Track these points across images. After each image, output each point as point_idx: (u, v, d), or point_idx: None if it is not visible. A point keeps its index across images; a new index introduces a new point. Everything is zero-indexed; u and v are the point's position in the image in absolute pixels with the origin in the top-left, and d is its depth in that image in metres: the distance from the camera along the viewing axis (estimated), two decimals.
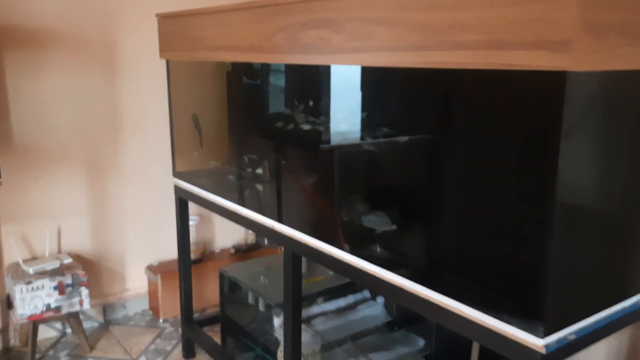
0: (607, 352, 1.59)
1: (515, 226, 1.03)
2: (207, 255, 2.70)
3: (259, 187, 1.70)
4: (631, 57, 0.90)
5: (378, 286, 1.24)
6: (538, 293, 0.95)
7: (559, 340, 0.95)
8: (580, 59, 0.82)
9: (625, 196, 1.08)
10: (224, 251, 2.77)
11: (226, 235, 2.81)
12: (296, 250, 1.48)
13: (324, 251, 1.37)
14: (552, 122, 0.88)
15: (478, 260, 1.10)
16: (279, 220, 1.55)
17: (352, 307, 1.89)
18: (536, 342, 0.93)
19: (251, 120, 1.78)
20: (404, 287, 1.16)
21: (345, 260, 1.31)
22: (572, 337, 0.98)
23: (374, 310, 1.88)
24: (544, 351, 0.93)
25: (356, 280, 1.33)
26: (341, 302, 1.89)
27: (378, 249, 1.31)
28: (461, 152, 1.11)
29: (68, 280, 2.15)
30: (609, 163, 1.02)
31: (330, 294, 1.90)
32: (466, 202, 1.11)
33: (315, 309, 1.84)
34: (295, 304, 1.51)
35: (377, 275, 1.22)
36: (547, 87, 0.88)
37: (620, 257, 1.11)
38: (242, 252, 2.74)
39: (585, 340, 1.01)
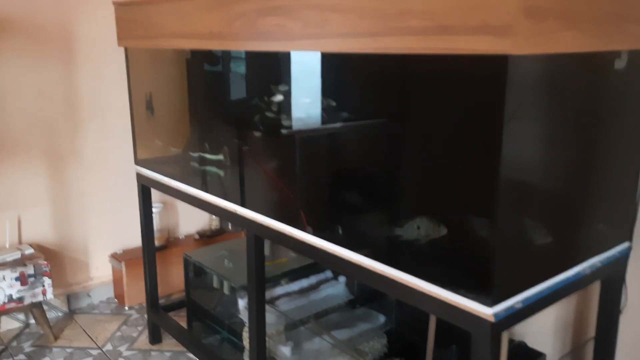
0: (556, 319, 1.68)
1: (465, 203, 1.08)
2: (171, 242, 2.71)
3: (221, 172, 1.72)
4: (568, 41, 0.96)
5: (339, 265, 1.28)
6: (486, 265, 1.01)
7: (507, 309, 1.02)
8: (520, 43, 0.87)
9: (567, 171, 1.15)
10: (188, 237, 2.79)
11: (190, 222, 2.82)
12: (259, 233, 1.51)
13: (286, 233, 1.41)
14: (496, 104, 0.93)
15: (431, 235, 1.16)
16: (241, 204, 1.57)
17: (314, 287, 1.94)
18: (485, 311, 0.99)
19: (212, 107, 1.79)
20: (364, 265, 1.21)
21: (307, 241, 1.35)
22: (519, 305, 1.04)
23: (336, 290, 1.93)
24: (492, 319, 0.99)
25: (318, 260, 1.37)
26: (304, 283, 1.94)
27: (339, 230, 1.35)
28: (414, 134, 1.16)
29: (30, 270, 2.13)
30: (551, 140, 1.08)
31: (293, 275, 1.94)
32: (419, 182, 1.16)
33: (279, 290, 1.88)
34: (259, 286, 1.55)
35: (338, 255, 1.27)
36: (491, 70, 0.93)
37: (564, 229, 1.18)
38: (206, 237, 2.75)
39: (532, 308, 1.08)
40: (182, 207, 2.76)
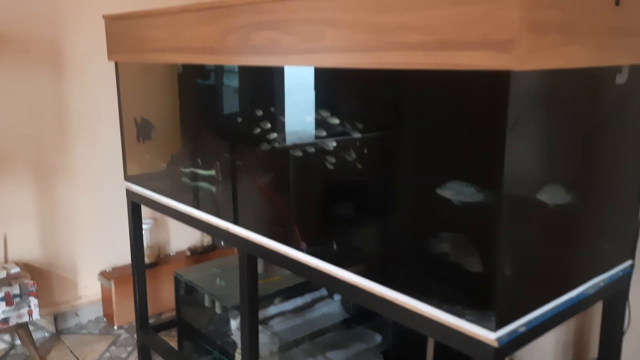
0: (556, 340, 1.65)
1: (466, 220, 1.05)
2: (162, 259, 2.66)
3: (213, 188, 1.68)
4: (570, 56, 0.94)
5: (335, 285, 1.24)
6: (488, 287, 0.98)
7: (511, 333, 0.98)
8: (523, 58, 0.84)
9: (569, 188, 1.11)
10: (179, 254, 2.74)
11: (182, 238, 2.77)
12: (251, 252, 1.47)
13: (280, 252, 1.37)
14: (497, 120, 0.90)
15: (431, 255, 1.12)
16: (233, 221, 1.53)
17: (309, 305, 1.89)
18: (488, 336, 0.95)
19: (204, 122, 1.76)
20: (360, 286, 1.17)
21: (302, 260, 1.31)
22: (523, 329, 1.00)
23: (332, 308, 1.89)
24: (496, 344, 0.95)
25: (313, 280, 1.33)
26: (298, 301, 1.89)
27: (334, 247, 1.31)
28: (413, 149, 1.13)
29: (15, 290, 2.07)
30: (553, 157, 1.05)
31: (288, 293, 1.90)
32: (417, 198, 1.13)
33: (272, 310, 1.83)
34: (251, 306, 1.50)
35: (334, 275, 1.23)
36: (493, 86, 0.90)
37: (566, 248, 1.15)
38: (198, 254, 2.70)
39: (536, 332, 1.05)
40: (173, 223, 2.71)
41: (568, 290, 1.12)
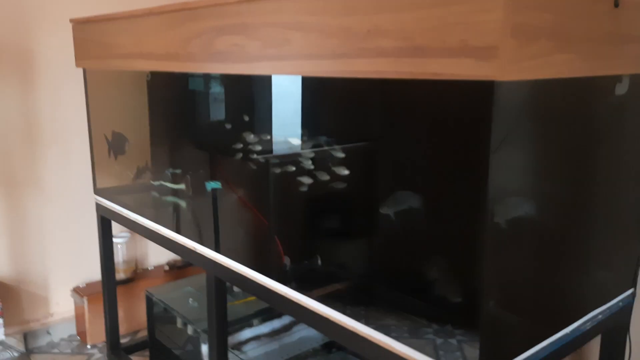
0: None
1: (447, 246, 0.94)
2: (139, 274, 2.53)
3: (182, 204, 1.57)
4: (563, 65, 0.82)
5: (311, 320, 1.12)
6: (472, 322, 0.86)
7: None
8: (506, 67, 0.73)
9: (563, 210, 1.00)
10: (158, 268, 2.61)
11: (160, 251, 2.65)
12: (220, 276, 1.35)
13: (251, 278, 1.25)
14: (481, 136, 0.79)
15: (411, 286, 1.01)
16: (200, 241, 1.42)
17: (287, 328, 1.77)
18: None
19: (175, 132, 1.64)
20: (338, 322, 1.05)
21: (273, 289, 1.19)
22: None
23: (311, 331, 1.77)
24: None
25: (289, 313, 1.21)
26: (276, 324, 1.77)
27: (318, 262, 1.20)
28: (393, 161, 1.02)
29: None
30: (544, 175, 0.93)
31: (264, 315, 1.77)
32: (394, 221, 1.01)
33: (247, 333, 1.71)
34: (219, 333, 1.38)
35: (308, 308, 1.11)
36: (475, 96, 0.79)
37: (560, 278, 1.03)
38: (177, 268, 2.58)
39: None
40: None
41: (563, 325, 1.00)
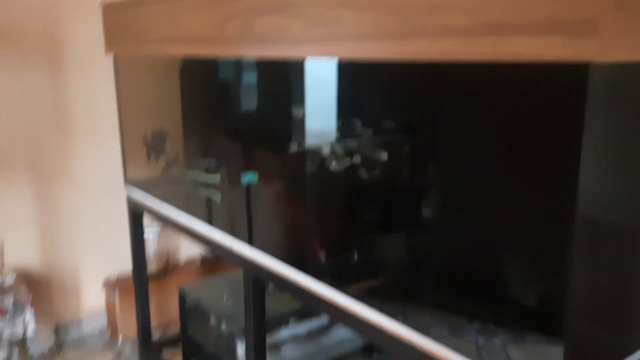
0: None
1: (524, 250, 0.83)
2: (171, 267, 2.48)
3: (217, 198, 1.48)
4: None
5: (356, 325, 1.03)
6: (554, 338, 0.76)
7: None
8: (609, 45, 0.61)
9: None
10: (190, 262, 2.55)
11: (193, 245, 2.58)
12: (258, 276, 1.27)
13: (291, 279, 1.16)
14: (571, 128, 0.68)
15: (474, 295, 0.90)
16: (236, 238, 1.33)
17: (326, 328, 1.69)
18: None
19: (211, 121, 1.56)
20: (390, 332, 0.95)
21: (316, 292, 1.10)
22: None
23: (351, 332, 1.68)
24: None
25: (331, 317, 1.12)
26: (313, 324, 1.68)
27: (355, 259, 1.10)
28: (457, 157, 0.91)
29: (9, 301, 1.91)
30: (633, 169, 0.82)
31: (301, 313, 1.69)
32: (461, 222, 0.91)
33: (283, 333, 1.63)
34: (257, 336, 1.30)
35: (354, 313, 1.02)
36: (564, 82, 0.68)
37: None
38: (210, 262, 2.52)
39: None
40: None
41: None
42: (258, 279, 1.27)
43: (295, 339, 1.64)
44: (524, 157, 0.76)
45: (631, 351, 0.85)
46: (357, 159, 1.09)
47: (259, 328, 1.29)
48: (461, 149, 0.86)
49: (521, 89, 0.73)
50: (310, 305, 1.15)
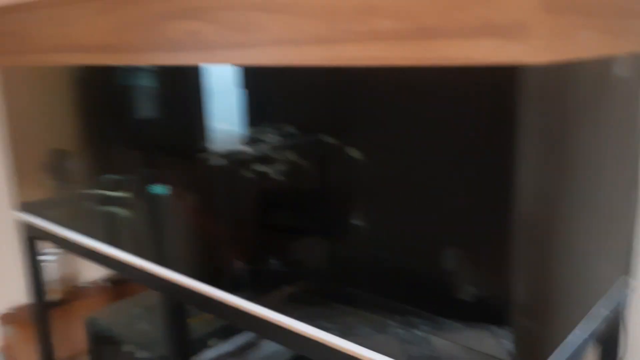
0: None
1: (462, 249, 0.82)
2: (75, 292, 2.29)
3: (123, 214, 1.37)
4: (586, 42, 0.72)
5: (282, 338, 0.99)
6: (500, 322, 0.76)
7: None
8: (539, 47, 0.61)
9: (577, 197, 0.91)
10: (97, 285, 2.37)
11: (99, 267, 2.41)
12: (176, 296, 1.19)
13: (211, 297, 1.09)
14: (503, 127, 0.68)
15: (396, 289, 0.89)
16: (148, 258, 1.24)
17: (253, 343, 1.62)
18: None
19: (113, 134, 1.44)
20: (313, 338, 0.92)
21: (238, 308, 1.04)
22: None
23: (279, 345, 1.63)
24: None
25: (255, 331, 1.07)
26: (239, 340, 1.62)
27: (275, 287, 1.06)
28: (385, 159, 0.89)
29: None
30: (564, 165, 0.84)
31: (226, 331, 1.62)
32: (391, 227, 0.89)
33: (208, 355, 1.55)
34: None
35: (281, 325, 0.98)
36: (496, 84, 0.67)
37: (576, 271, 0.94)
38: (119, 283, 2.36)
39: None
40: None
41: (568, 332, 0.92)
42: (175, 299, 1.19)
43: (221, 358, 1.56)
44: (457, 157, 0.75)
45: (559, 341, 0.87)
46: (268, 164, 1.05)
47: (182, 352, 1.21)
48: (390, 151, 0.84)
49: (455, 91, 0.72)
50: (232, 321, 1.09)
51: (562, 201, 0.83)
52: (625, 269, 1.12)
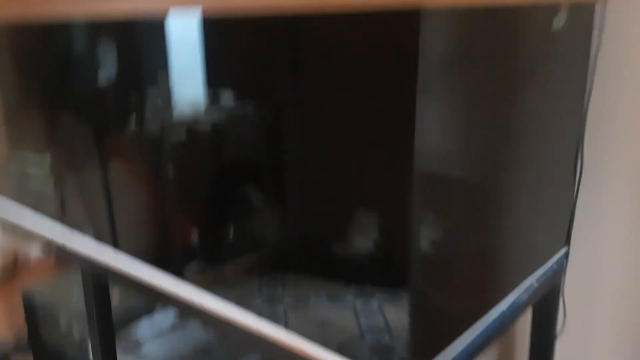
0: None
1: (367, 204, 0.76)
2: (20, 267, 2.21)
3: (48, 186, 1.30)
4: None
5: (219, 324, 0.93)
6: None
7: None
8: None
9: (493, 162, 0.84)
10: (43, 259, 2.29)
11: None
12: (99, 274, 1.12)
13: (137, 278, 1.02)
14: (405, 78, 0.61)
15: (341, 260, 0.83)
16: (75, 231, 1.17)
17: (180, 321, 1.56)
18: None
19: (44, 100, 1.35)
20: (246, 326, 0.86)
21: (181, 297, 0.98)
22: None
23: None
24: None
25: (190, 316, 1.01)
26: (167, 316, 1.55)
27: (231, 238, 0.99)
28: (298, 117, 0.82)
29: None
30: (472, 123, 0.77)
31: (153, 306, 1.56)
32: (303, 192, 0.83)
33: (144, 329, 1.49)
34: (104, 339, 1.16)
35: (218, 315, 0.91)
36: (396, 31, 0.60)
37: (492, 244, 0.89)
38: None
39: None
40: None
41: (496, 302, 0.87)
42: (98, 277, 1.12)
43: (160, 334, 1.50)
44: (360, 113, 0.68)
45: (481, 313, 0.83)
46: (219, 130, 0.97)
47: (105, 329, 1.15)
48: (295, 107, 0.77)
49: (353, 40, 0.65)
50: (163, 302, 1.03)
51: (484, 165, 0.77)
52: (566, 241, 1.08)
